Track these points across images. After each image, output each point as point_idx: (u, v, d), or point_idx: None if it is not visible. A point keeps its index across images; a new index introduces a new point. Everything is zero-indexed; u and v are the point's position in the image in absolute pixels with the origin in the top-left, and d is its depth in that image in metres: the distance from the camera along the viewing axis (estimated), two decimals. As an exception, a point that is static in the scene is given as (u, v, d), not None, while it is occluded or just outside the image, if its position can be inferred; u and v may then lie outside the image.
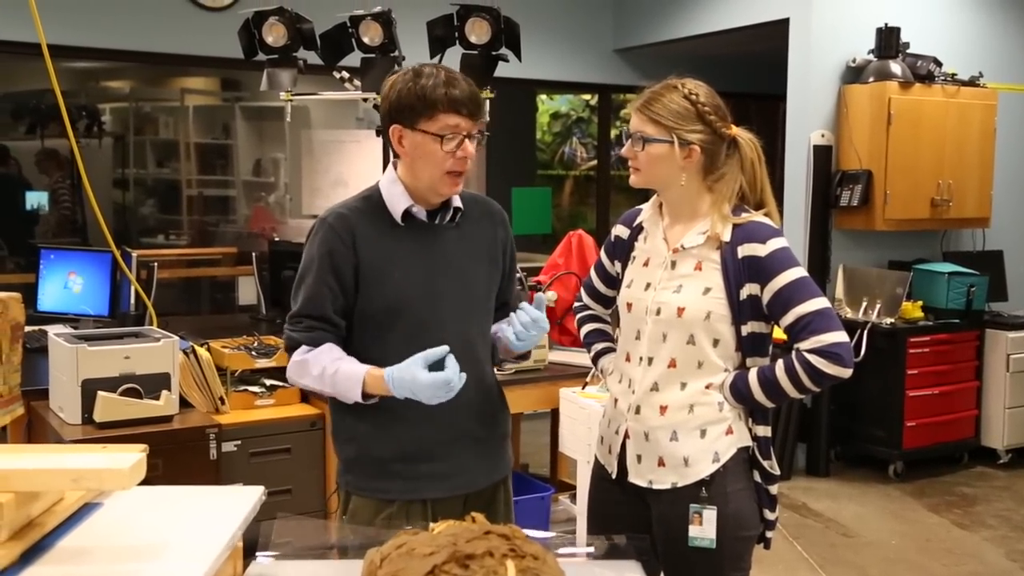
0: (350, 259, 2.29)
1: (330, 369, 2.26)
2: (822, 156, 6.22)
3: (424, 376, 2.14)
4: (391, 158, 2.39)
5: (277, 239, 6.46)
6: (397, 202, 2.34)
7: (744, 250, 2.28)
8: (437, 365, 2.17)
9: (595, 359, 2.68)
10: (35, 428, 3.71)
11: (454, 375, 2.15)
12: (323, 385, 2.29)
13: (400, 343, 2.27)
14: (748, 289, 2.28)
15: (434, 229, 2.38)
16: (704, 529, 2.27)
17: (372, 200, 2.37)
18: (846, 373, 2.23)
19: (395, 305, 2.31)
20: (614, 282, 2.57)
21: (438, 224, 2.38)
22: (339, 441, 2.44)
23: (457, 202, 2.39)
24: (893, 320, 6.00)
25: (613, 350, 2.60)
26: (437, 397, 2.16)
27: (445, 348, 2.18)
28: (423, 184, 2.32)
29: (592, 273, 2.68)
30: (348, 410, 2.34)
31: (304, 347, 2.31)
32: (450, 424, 2.34)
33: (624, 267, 2.51)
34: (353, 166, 6.72)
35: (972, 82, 6.44)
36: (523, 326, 2.30)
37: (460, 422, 2.36)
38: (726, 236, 2.30)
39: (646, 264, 2.43)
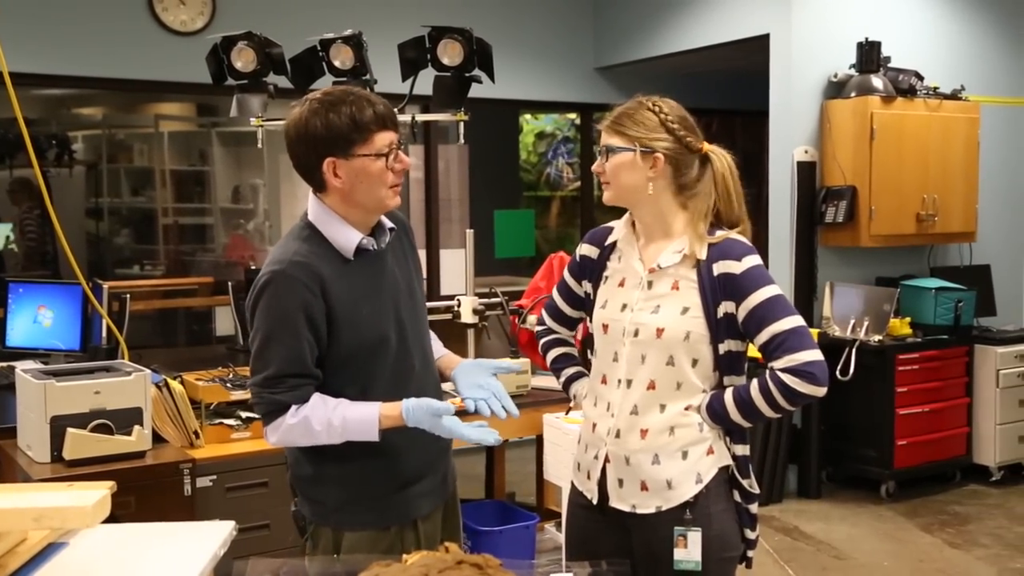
0: (321, 308, 2.24)
1: (336, 420, 2.23)
2: (806, 172, 6.18)
3: (448, 422, 2.24)
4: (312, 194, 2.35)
5: (254, 267, 6.38)
6: (345, 238, 2.30)
7: (719, 267, 2.28)
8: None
9: (566, 385, 2.65)
10: (3, 467, 3.64)
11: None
12: (330, 438, 2.25)
13: (380, 378, 2.30)
14: (724, 307, 2.27)
15: (378, 255, 2.36)
16: (689, 552, 2.28)
17: (315, 240, 2.31)
18: (820, 392, 2.22)
19: (371, 342, 2.30)
20: (581, 303, 2.55)
21: (378, 250, 2.36)
22: (321, 485, 2.37)
23: (387, 222, 2.40)
24: (881, 337, 5.93)
25: (584, 375, 2.58)
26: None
27: (451, 407, 2.25)
28: (368, 206, 2.30)
29: (555, 295, 2.64)
30: (330, 455, 2.31)
31: (293, 407, 2.24)
32: (434, 440, 2.35)
33: (595, 287, 2.47)
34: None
35: (954, 95, 6.42)
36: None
37: (438, 437, 2.38)
38: (702, 254, 2.29)
39: (621, 284, 2.41)
